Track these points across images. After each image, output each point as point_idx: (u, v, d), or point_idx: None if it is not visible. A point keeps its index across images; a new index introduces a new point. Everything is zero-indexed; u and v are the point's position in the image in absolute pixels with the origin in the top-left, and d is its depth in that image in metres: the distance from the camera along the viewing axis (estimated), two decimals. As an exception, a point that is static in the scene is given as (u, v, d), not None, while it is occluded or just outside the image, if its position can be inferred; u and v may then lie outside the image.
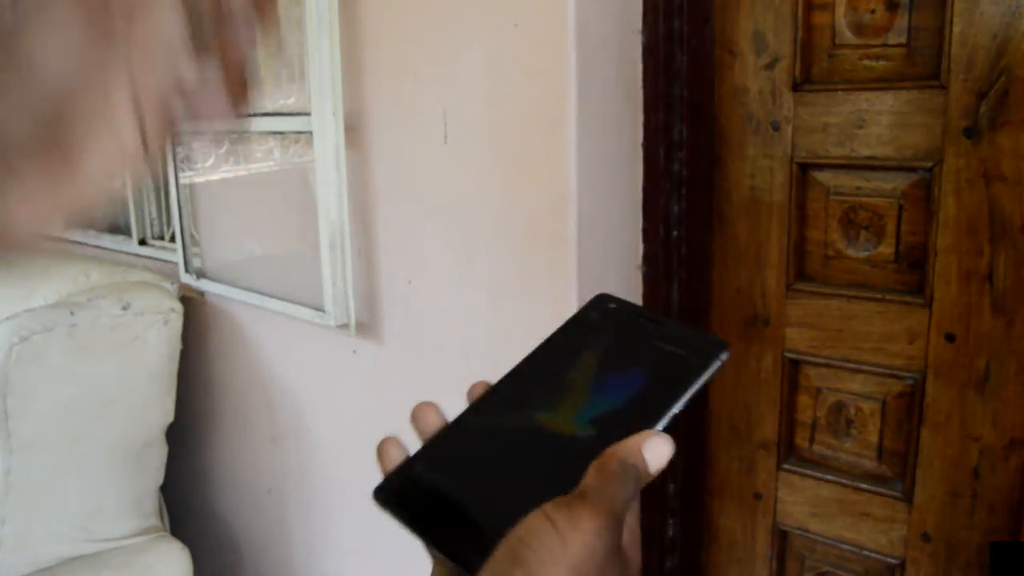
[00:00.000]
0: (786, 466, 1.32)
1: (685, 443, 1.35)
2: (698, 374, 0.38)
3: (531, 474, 0.37)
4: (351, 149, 1.44)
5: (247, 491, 1.97)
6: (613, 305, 0.43)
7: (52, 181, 0.30)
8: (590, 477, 0.35)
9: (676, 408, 0.38)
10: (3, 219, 0.29)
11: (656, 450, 0.37)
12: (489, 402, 0.41)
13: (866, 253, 1.19)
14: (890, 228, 1.16)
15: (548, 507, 0.33)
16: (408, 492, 0.38)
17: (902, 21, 1.10)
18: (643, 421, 0.37)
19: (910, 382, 1.18)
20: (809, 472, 1.30)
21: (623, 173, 1.24)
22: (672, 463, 0.39)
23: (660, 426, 0.37)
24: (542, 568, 0.32)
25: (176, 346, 1.84)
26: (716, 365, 0.39)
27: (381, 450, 0.40)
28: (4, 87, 0.29)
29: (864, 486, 1.25)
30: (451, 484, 0.38)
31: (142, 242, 2.37)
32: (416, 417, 0.41)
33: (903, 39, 1.11)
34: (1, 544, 1.60)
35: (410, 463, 0.39)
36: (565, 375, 0.41)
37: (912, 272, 1.15)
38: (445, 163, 1.31)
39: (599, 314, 0.43)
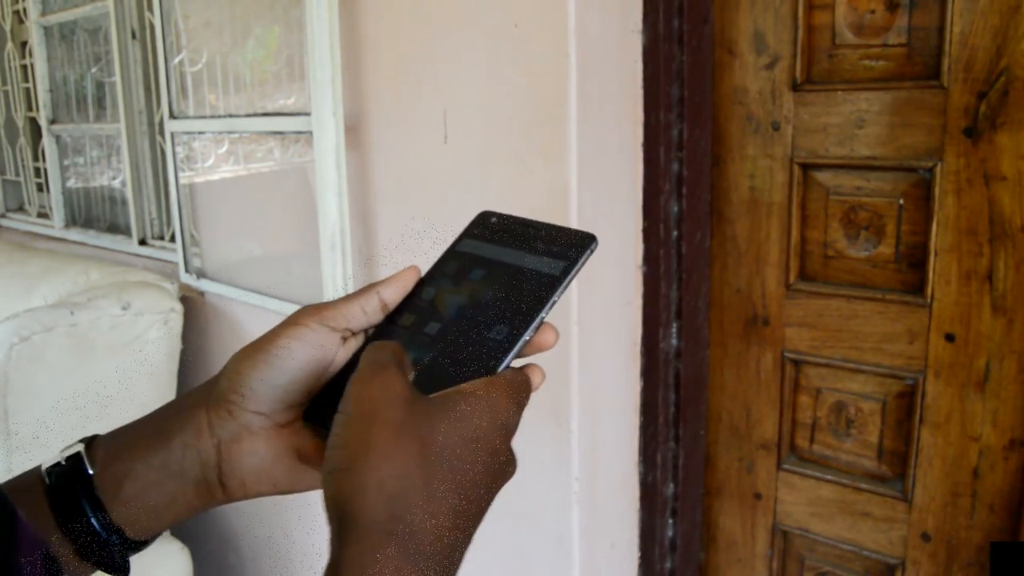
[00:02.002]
0: (786, 466, 1.32)
1: (685, 443, 1.35)
2: (573, 264, 0.44)
3: (439, 362, 0.43)
4: (351, 149, 1.44)
5: (247, 491, 1.97)
6: (495, 219, 0.48)
7: None
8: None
9: (556, 295, 0.43)
10: None
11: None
12: (399, 312, 0.47)
13: (866, 253, 1.19)
14: (890, 228, 1.16)
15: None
16: (331, 406, 0.43)
17: (902, 21, 1.10)
18: (532, 307, 0.42)
19: (910, 382, 1.18)
20: (809, 472, 1.30)
21: (623, 173, 1.24)
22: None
23: (546, 310, 0.42)
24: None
25: (176, 346, 1.84)
26: (587, 254, 0.44)
27: None
28: None
29: (864, 486, 1.25)
30: None
31: (142, 242, 2.37)
32: None
33: (903, 39, 1.11)
34: (1, 544, 1.60)
35: (331, 382, 0.45)
36: (458, 279, 0.46)
37: (912, 272, 1.15)
38: (445, 163, 1.31)
39: (483, 228, 0.48)
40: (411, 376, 0.40)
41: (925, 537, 1.20)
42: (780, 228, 1.25)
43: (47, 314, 1.65)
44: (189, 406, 0.44)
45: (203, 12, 1.83)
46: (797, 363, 1.28)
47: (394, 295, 0.46)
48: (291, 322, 0.44)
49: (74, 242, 2.69)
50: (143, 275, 1.97)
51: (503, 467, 0.39)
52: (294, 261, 1.68)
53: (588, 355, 1.22)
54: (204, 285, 1.93)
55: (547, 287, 0.43)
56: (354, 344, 0.46)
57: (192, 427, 0.43)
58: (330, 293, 1.47)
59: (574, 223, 1.17)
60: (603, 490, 1.29)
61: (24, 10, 2.82)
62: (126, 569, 0.42)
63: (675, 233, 1.27)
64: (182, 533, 1.90)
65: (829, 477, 1.28)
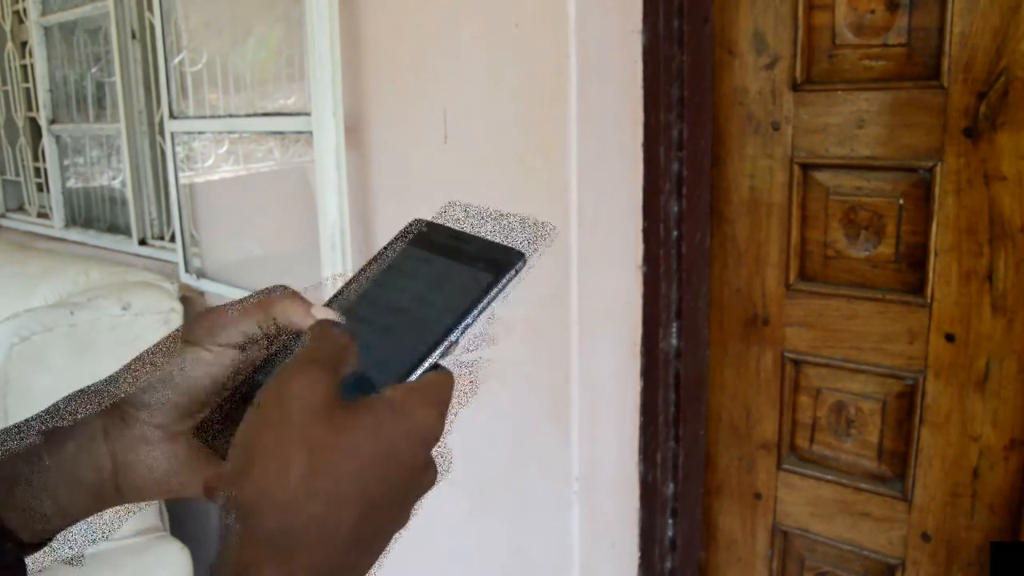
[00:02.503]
0: (786, 466, 1.32)
1: (685, 443, 1.35)
2: (495, 283, 0.41)
3: (353, 382, 0.40)
4: (351, 149, 1.44)
5: (247, 491, 1.97)
6: (425, 228, 0.46)
7: None
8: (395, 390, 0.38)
9: (471, 316, 0.40)
10: None
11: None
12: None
13: (866, 253, 1.19)
14: (890, 228, 1.16)
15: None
16: (229, 422, 0.42)
17: (902, 21, 1.10)
18: (437, 327, 0.40)
19: (910, 382, 1.18)
20: (809, 472, 1.30)
21: (623, 173, 1.24)
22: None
23: (457, 332, 0.40)
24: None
25: (176, 346, 1.83)
26: (512, 274, 0.41)
27: None
28: None
29: (864, 486, 1.25)
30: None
31: (142, 242, 2.37)
32: None
33: (903, 39, 1.11)
34: (1, 544, 1.60)
35: (231, 397, 0.43)
36: (382, 297, 0.44)
37: (912, 272, 1.15)
38: (445, 163, 1.31)
39: (413, 237, 0.46)
40: (350, 372, 0.39)
41: (925, 537, 1.20)
42: (780, 228, 1.25)
43: (47, 314, 1.65)
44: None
45: (203, 12, 1.83)
46: (797, 363, 1.28)
47: (295, 318, 0.43)
48: (187, 340, 0.42)
49: (74, 242, 2.69)
50: (143, 275, 1.97)
51: (418, 479, 0.37)
52: (294, 261, 1.68)
53: (588, 355, 1.22)
54: (204, 285, 1.93)
55: (468, 302, 0.40)
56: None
57: (86, 432, 0.41)
58: (330, 293, 1.47)
59: (574, 223, 1.17)
60: (603, 490, 1.29)
61: (24, 10, 2.82)
62: (23, 570, 0.41)
63: (675, 233, 1.27)
64: (182, 533, 1.90)
65: (829, 477, 1.28)
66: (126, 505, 0.44)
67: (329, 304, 0.45)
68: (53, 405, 0.43)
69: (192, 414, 0.43)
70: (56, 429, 0.42)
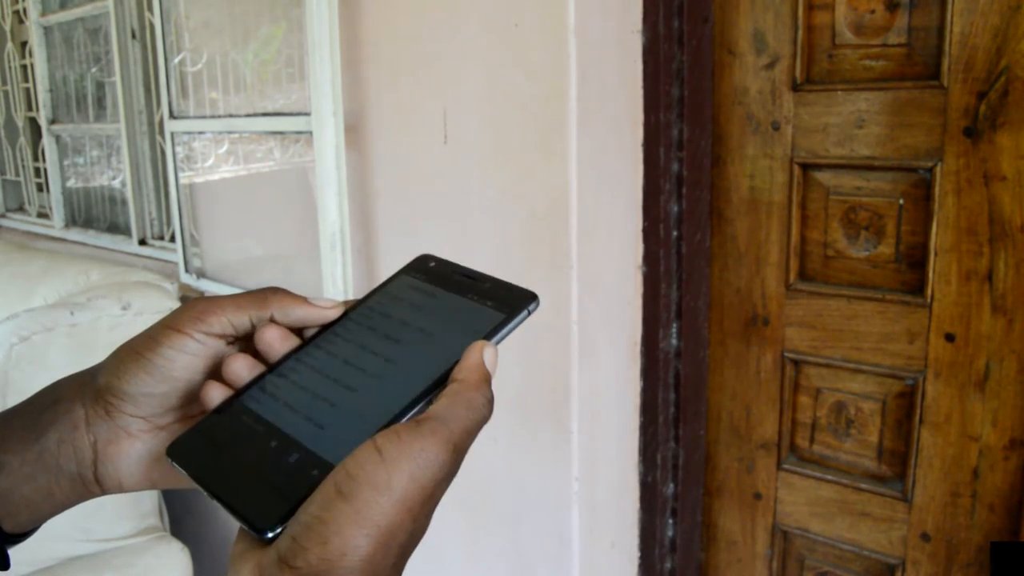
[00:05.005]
0: (786, 466, 1.32)
1: (685, 443, 1.35)
2: (506, 323, 0.40)
3: (347, 415, 0.38)
4: (351, 149, 1.44)
5: (247, 491, 1.97)
6: (433, 264, 0.45)
7: None
8: (438, 405, 0.35)
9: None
10: None
11: (491, 359, 0.38)
12: (313, 343, 0.42)
13: (866, 253, 1.19)
14: (890, 228, 1.16)
15: (379, 436, 0.33)
16: (207, 448, 0.38)
17: (902, 21, 1.10)
18: (445, 361, 0.38)
19: (910, 382, 1.18)
20: (809, 472, 1.30)
21: (623, 173, 1.24)
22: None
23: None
24: (364, 498, 0.32)
25: (176, 346, 1.83)
26: (524, 315, 0.40)
27: (203, 394, 0.41)
28: None
29: (864, 486, 1.25)
30: (262, 433, 0.38)
31: (142, 242, 2.37)
32: (226, 370, 0.42)
33: (903, 39, 1.11)
34: (1, 544, 1.60)
35: (211, 417, 0.40)
36: (384, 325, 0.42)
37: (912, 272, 1.15)
38: (445, 163, 1.31)
39: (421, 272, 0.44)
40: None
41: (925, 537, 1.20)
42: (780, 228, 1.25)
43: (47, 314, 1.65)
44: (66, 398, 0.42)
45: (203, 12, 1.83)
46: (797, 363, 1.28)
47: (290, 319, 0.42)
48: (172, 327, 0.41)
49: (74, 242, 2.69)
50: (143, 275, 1.97)
51: (439, 498, 0.36)
52: (294, 261, 1.68)
53: (588, 355, 1.22)
54: (204, 285, 1.94)
55: (478, 338, 0.39)
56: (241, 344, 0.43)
57: (68, 421, 0.41)
58: (330, 293, 1.47)
59: (574, 223, 1.17)
60: (603, 490, 1.29)
61: (24, 10, 2.82)
62: (5, 563, 0.41)
63: (675, 233, 1.27)
64: (182, 533, 1.90)
65: (829, 477, 1.28)
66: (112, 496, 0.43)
67: (326, 329, 0.43)
68: (36, 393, 0.43)
69: (176, 408, 0.42)
70: (40, 418, 0.41)
